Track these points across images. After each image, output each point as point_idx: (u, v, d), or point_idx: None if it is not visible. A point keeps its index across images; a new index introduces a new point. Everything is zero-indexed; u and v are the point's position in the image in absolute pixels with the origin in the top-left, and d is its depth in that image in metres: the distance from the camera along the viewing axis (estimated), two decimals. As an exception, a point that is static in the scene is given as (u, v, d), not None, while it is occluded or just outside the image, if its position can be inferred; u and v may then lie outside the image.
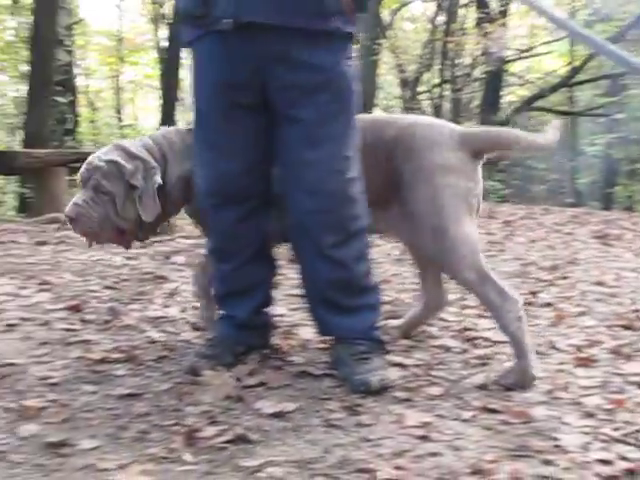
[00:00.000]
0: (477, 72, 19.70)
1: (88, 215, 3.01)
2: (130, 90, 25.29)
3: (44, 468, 2.22)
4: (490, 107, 19.13)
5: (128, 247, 3.33)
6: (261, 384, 2.89)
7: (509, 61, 20.72)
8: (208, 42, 2.98)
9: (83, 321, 3.71)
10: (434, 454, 2.35)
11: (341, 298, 3.03)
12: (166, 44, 16.68)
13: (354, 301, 3.04)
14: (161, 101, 15.55)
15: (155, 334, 3.53)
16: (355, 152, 3.03)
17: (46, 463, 2.25)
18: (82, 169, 3.10)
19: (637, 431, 2.58)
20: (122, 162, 3.03)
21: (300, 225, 3.05)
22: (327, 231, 2.98)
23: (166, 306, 3.87)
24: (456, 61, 18.65)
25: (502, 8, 18.13)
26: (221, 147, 3.00)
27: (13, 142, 16.89)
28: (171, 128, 3.42)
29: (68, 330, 3.56)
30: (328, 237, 2.97)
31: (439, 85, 18.09)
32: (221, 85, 2.97)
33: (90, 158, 3.11)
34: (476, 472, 2.23)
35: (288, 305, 4.03)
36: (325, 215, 2.97)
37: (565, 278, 5.25)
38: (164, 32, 18.81)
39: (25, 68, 14.13)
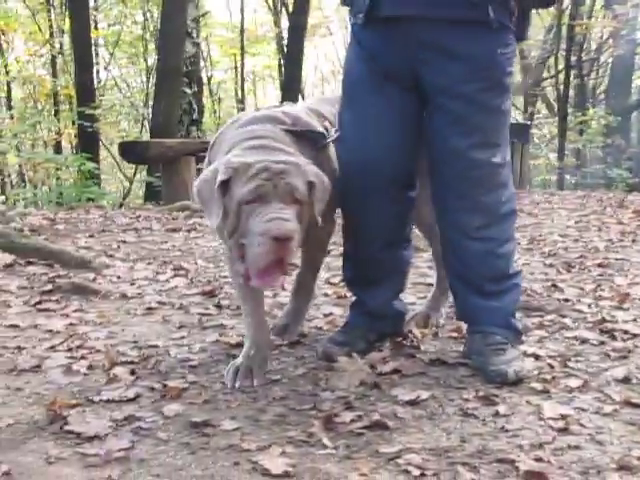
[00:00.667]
0: (605, 56, 19.29)
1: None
2: (251, 81, 25.46)
3: (189, 446, 2.26)
4: (618, 93, 18.71)
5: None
6: (395, 371, 2.88)
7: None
8: (358, 29, 3.04)
9: (217, 306, 3.77)
10: (576, 447, 2.30)
11: (484, 281, 3.01)
12: (286, 35, 16.80)
13: (497, 285, 3.02)
14: (281, 92, 15.63)
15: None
16: (505, 138, 3.03)
17: (191, 442, 2.29)
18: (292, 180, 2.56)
19: None
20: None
21: (446, 210, 3.06)
22: (473, 215, 2.97)
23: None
24: (583, 46, 18.25)
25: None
26: (369, 125, 2.95)
27: (136, 132, 17.24)
28: None
29: (204, 314, 3.62)
30: (475, 220, 2.97)
31: (564, 70, 17.70)
32: (374, 67, 2.97)
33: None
34: (623, 468, 2.17)
35: (417, 293, 4.02)
36: (471, 201, 2.96)
37: None
38: (285, 22, 18.86)
39: (152, 60, 14.42)
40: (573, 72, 18.25)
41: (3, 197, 16.52)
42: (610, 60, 19.48)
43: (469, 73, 2.87)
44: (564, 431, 2.42)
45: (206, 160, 2.97)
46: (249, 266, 2.52)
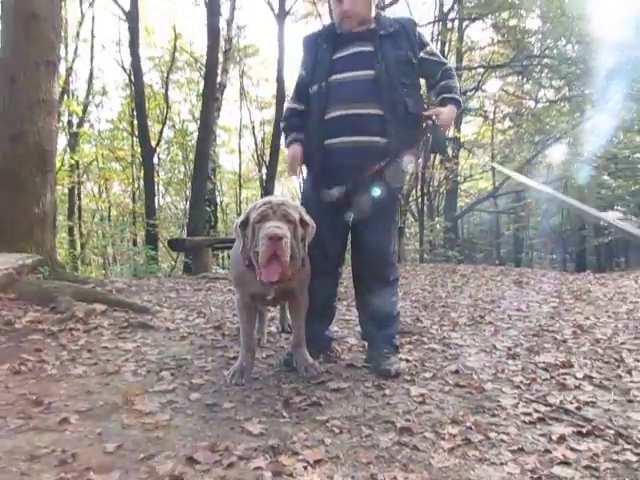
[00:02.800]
0: (442, 189, 19.76)
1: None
2: (245, 203, 25.64)
3: (204, 418, 2.22)
4: (450, 209, 19.17)
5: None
6: (326, 371, 2.85)
7: (459, 183, 20.85)
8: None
9: (222, 335, 3.71)
10: (428, 412, 2.32)
11: (381, 319, 2.98)
12: (264, 177, 16.98)
13: (387, 321, 2.99)
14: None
15: (265, 342, 3.50)
16: (395, 235, 3.03)
17: (205, 415, 2.26)
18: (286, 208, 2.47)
19: (544, 395, 2.54)
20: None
21: (362, 278, 3.03)
22: (378, 281, 2.95)
23: (269, 326, 3.81)
24: (430, 183, 18.70)
25: (454, 153, 18.24)
26: (320, 231, 2.72)
27: (178, 233, 17.27)
28: None
29: (214, 340, 3.56)
30: (377, 284, 2.94)
31: (421, 196, 18.10)
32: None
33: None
34: (454, 421, 2.22)
35: (339, 325, 3.99)
36: (377, 273, 2.95)
37: (499, 307, 5.16)
38: (264, 170, 19.06)
39: (189, 192, 14.56)
40: (425, 197, 18.67)
41: (103, 271, 16.42)
42: (444, 191, 19.98)
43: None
44: (422, 403, 2.45)
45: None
46: (259, 265, 2.40)
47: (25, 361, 2.90)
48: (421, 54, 2.91)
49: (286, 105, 3.21)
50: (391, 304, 3.00)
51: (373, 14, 2.95)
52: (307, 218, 2.56)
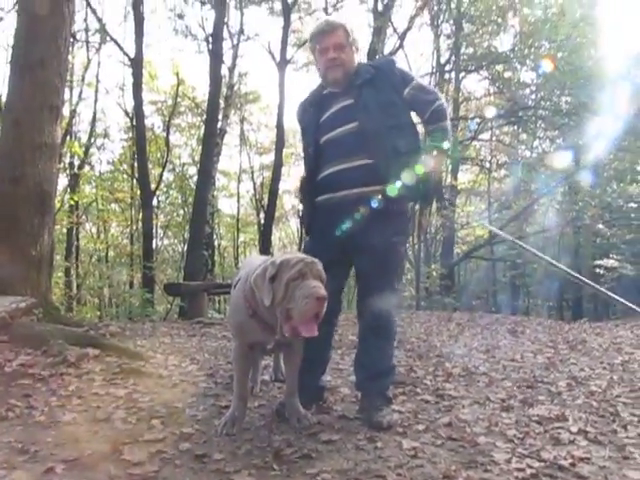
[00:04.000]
0: (439, 236, 19.85)
1: None
2: (242, 247, 25.66)
3: (193, 469, 2.19)
4: (447, 255, 19.22)
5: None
6: (318, 423, 2.80)
7: (456, 230, 20.97)
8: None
9: (215, 382, 3.66)
10: (420, 466, 2.28)
11: (374, 371, 2.95)
12: (262, 221, 17.07)
13: (381, 374, 2.96)
14: (260, 254, 15.93)
15: (259, 391, 3.46)
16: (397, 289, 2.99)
17: (195, 467, 2.22)
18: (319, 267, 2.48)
19: (538, 450, 2.50)
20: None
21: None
22: (373, 332, 2.93)
23: (263, 374, 3.76)
24: (427, 230, 18.77)
25: (450, 201, 18.42)
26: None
27: (178, 277, 17.22)
28: None
29: (207, 388, 3.52)
30: (374, 335, 2.93)
31: (417, 243, 18.14)
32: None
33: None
34: (445, 477, 2.17)
35: (332, 374, 3.95)
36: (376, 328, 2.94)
37: (494, 357, 5.13)
38: (262, 215, 19.17)
39: (187, 235, 14.63)
40: (422, 244, 18.73)
41: (99, 312, 16.34)
42: (441, 238, 20.06)
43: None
44: (414, 457, 2.40)
45: (238, 276, 2.83)
46: (298, 322, 2.37)
47: (13, 407, 2.86)
48: (407, 91, 2.89)
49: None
50: (387, 357, 2.98)
51: (355, 63, 2.99)
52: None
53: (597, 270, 20.11)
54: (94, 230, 22.54)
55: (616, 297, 3.85)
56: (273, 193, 14.41)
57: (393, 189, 2.76)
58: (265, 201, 16.81)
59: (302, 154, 3.22)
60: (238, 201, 23.73)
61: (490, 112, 17.71)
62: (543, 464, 2.34)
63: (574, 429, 2.83)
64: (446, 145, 2.91)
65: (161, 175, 17.75)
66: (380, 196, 2.79)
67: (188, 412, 2.95)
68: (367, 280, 2.87)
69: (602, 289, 3.81)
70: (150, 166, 16.52)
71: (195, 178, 15.12)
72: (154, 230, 17.45)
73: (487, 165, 21.72)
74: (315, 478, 2.13)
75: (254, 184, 23.04)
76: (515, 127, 19.57)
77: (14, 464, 2.16)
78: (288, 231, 28.98)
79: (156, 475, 2.11)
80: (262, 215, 18.14)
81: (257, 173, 23.46)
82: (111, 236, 21.71)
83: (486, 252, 22.88)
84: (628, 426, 2.91)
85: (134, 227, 19.29)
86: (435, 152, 2.88)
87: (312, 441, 2.54)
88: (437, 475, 2.19)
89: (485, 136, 20.66)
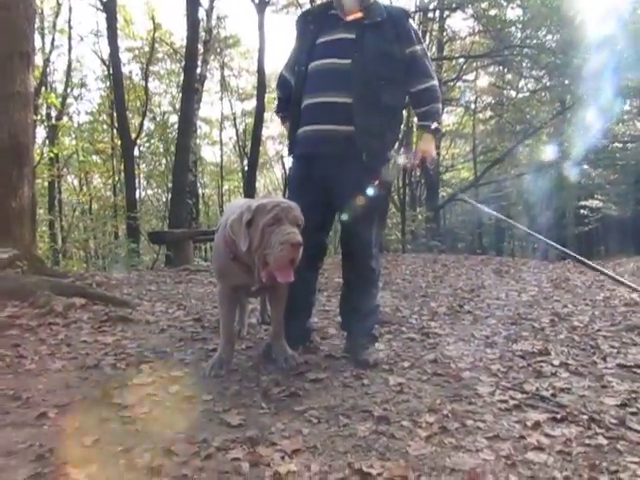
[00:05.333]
0: (423, 180, 19.84)
1: None
2: (227, 195, 25.51)
3: (184, 410, 2.23)
4: (432, 199, 19.27)
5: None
6: (305, 362, 2.85)
7: (441, 173, 20.97)
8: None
9: (202, 327, 3.70)
10: (406, 401, 2.35)
11: (359, 311, 2.98)
12: (246, 169, 16.91)
13: (365, 313, 2.99)
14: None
15: (245, 334, 3.49)
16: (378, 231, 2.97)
17: (184, 407, 2.26)
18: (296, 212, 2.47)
19: (521, 383, 2.58)
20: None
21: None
22: (356, 272, 2.96)
23: (249, 317, 3.80)
24: (412, 173, 18.74)
25: (436, 143, 18.32)
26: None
27: (163, 226, 17.15)
28: None
29: (194, 332, 3.55)
30: (356, 276, 2.96)
31: (402, 187, 18.11)
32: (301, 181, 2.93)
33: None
34: (431, 410, 2.24)
35: (319, 316, 4.00)
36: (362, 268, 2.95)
37: (478, 296, 5.22)
38: (245, 162, 18.99)
39: (170, 184, 14.51)
40: (407, 188, 18.72)
41: (85, 265, 16.32)
42: (426, 181, 20.03)
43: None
44: (400, 392, 2.47)
45: (221, 220, 2.80)
46: (273, 268, 2.38)
47: (3, 356, 2.88)
48: (410, 49, 2.84)
49: (281, 71, 3.17)
50: (371, 296, 3.00)
51: None
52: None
53: (581, 211, 20.31)
54: (76, 183, 22.29)
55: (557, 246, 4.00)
56: (256, 139, 14.21)
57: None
58: (248, 148, 16.61)
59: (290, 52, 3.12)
60: (221, 149, 23.52)
61: (475, 51, 17.44)
62: (525, 395, 2.41)
63: (556, 362, 2.91)
64: (438, 125, 2.92)
65: (141, 124, 17.41)
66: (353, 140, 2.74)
67: (176, 356, 2.99)
68: (350, 223, 2.86)
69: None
70: (130, 115, 16.25)
71: (176, 126, 14.84)
72: (137, 180, 17.25)
73: (472, 107, 21.52)
74: (303, 415, 2.18)
75: (237, 131, 22.74)
76: (500, 67, 19.30)
77: (7, 409, 2.19)
78: (272, 177, 28.81)
79: (147, 416, 2.14)
80: (245, 162, 17.96)
81: (239, 119, 23.11)
82: (93, 188, 21.46)
83: (471, 194, 22.96)
84: (607, 357, 3.00)
85: (116, 178, 19.06)
86: (429, 134, 2.90)
87: (299, 380, 2.59)
88: (423, 409, 2.25)
89: (470, 77, 20.38)
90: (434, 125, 2.89)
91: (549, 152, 18.04)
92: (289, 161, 3.14)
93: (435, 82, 2.92)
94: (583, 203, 20.13)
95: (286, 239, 2.33)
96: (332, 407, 2.26)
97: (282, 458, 1.80)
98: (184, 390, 2.44)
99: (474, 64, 18.97)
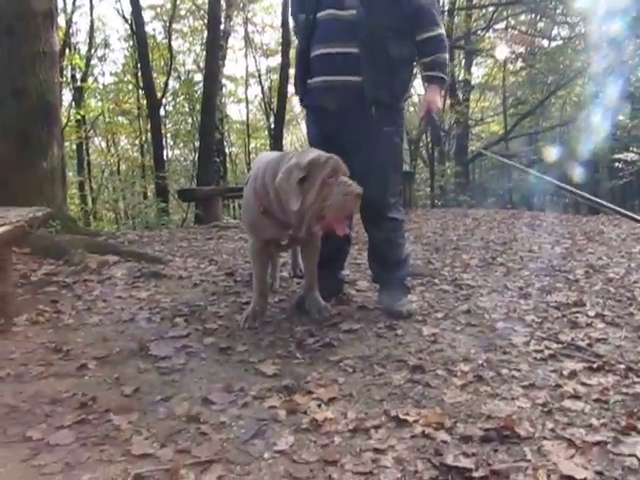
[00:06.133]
0: (452, 133, 19.48)
1: None
2: (253, 152, 25.45)
3: (219, 361, 2.27)
4: (460, 153, 18.94)
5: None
6: (338, 314, 2.87)
7: (470, 126, 20.55)
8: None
9: (235, 281, 3.73)
10: (440, 350, 2.37)
11: (388, 262, 2.98)
12: (272, 126, 16.79)
13: (395, 264, 2.98)
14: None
15: (278, 287, 3.51)
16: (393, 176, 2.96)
17: (220, 358, 2.30)
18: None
19: (556, 333, 2.56)
20: None
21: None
22: (374, 221, 2.95)
23: (281, 271, 3.82)
24: (441, 128, 18.43)
25: (465, 96, 17.96)
26: None
27: (191, 184, 17.24)
28: None
29: (227, 286, 3.58)
30: (375, 224, 2.96)
31: (431, 141, 17.84)
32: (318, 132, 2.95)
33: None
34: (465, 359, 2.25)
35: (351, 268, 4.00)
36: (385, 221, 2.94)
37: (511, 249, 5.18)
38: (272, 119, 18.81)
39: (197, 143, 14.52)
40: (435, 141, 18.43)
41: (116, 226, 16.55)
42: (455, 135, 19.70)
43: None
44: (434, 342, 2.49)
45: (249, 174, 2.80)
46: (333, 220, 2.39)
47: (42, 312, 2.95)
48: (419, 2, 2.76)
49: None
50: (398, 247, 2.99)
51: None
52: None
53: (616, 164, 19.77)
54: (103, 144, 22.37)
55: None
56: (282, 96, 14.06)
57: None
58: (274, 105, 16.46)
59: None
60: (247, 106, 23.21)
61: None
62: (561, 345, 2.41)
63: (591, 313, 2.89)
64: (444, 78, 2.85)
65: (166, 83, 17.30)
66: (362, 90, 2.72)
67: (210, 309, 3.03)
68: (364, 174, 2.81)
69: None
70: (154, 75, 16.12)
71: (201, 85, 14.74)
72: (164, 140, 17.25)
73: (502, 57, 20.87)
74: (338, 364, 2.20)
75: (262, 88, 22.43)
76: (533, 15, 18.61)
77: (50, 361, 2.26)
78: (299, 134, 28.54)
79: (183, 367, 2.19)
80: (272, 119, 17.81)
81: (264, 76, 22.79)
82: (121, 149, 21.58)
83: (501, 149, 22.52)
84: (645, 308, 2.95)
85: (143, 138, 19.09)
86: (434, 85, 2.84)
87: (333, 331, 2.62)
88: (457, 358, 2.26)
89: (500, 26, 19.71)
90: (440, 75, 2.83)
91: (583, 103, 17.51)
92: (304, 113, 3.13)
93: (442, 31, 2.85)
94: (617, 156, 19.55)
95: (350, 190, 2.34)
96: (366, 357, 2.29)
97: (319, 406, 1.83)
98: (219, 342, 2.48)
99: (505, 12, 18.33)
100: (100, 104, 19.59)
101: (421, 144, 18.45)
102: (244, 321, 2.70)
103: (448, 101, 17.06)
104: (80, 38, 19.90)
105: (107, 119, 20.05)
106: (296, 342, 2.46)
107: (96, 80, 20.17)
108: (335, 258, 3.13)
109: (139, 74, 16.38)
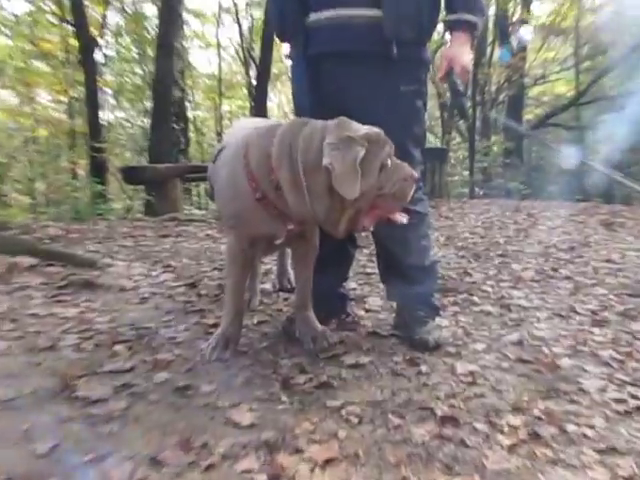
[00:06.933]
0: (502, 96, 19.51)
1: None
2: (227, 118, 25.37)
3: (174, 406, 2.26)
4: (513, 124, 18.98)
5: None
6: (340, 342, 2.88)
7: (527, 87, 20.59)
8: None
9: (198, 295, 3.74)
10: (481, 395, 2.37)
11: (407, 271, 2.98)
12: (254, 82, 16.76)
13: (417, 274, 2.99)
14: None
15: (257, 305, 3.51)
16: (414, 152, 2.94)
17: (176, 402, 2.29)
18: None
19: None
20: None
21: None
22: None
23: (263, 282, 3.82)
24: (485, 88, 18.44)
25: (521, 44, 17.98)
26: None
27: (140, 161, 17.18)
28: None
29: (187, 302, 3.59)
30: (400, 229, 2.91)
31: (472, 107, 17.89)
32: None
33: None
34: (516, 409, 2.25)
35: (358, 281, 4.01)
36: None
37: (581, 257, 5.20)
38: (253, 72, 18.82)
39: (149, 104, 14.47)
40: (478, 108, 18.44)
41: (33, 215, 16.49)
42: (505, 99, 19.73)
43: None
44: (471, 384, 2.48)
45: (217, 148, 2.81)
46: (391, 208, 2.43)
47: None
48: None
49: None
50: (420, 250, 3.00)
51: None
52: None
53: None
54: (14, 100, 22.09)
55: None
56: (267, 40, 14.00)
57: None
58: (257, 53, 16.45)
59: None
60: (219, 54, 23.19)
61: None
62: (651, 393, 2.41)
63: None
64: (475, 22, 2.80)
65: (104, 16, 17.30)
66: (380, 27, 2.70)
67: (164, 333, 3.04)
68: None
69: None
70: (87, 3, 15.98)
71: (155, 22, 14.73)
72: (102, 98, 17.22)
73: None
74: (339, 412, 2.20)
75: (240, 28, 22.40)
76: None
77: None
78: (289, 94, 28.59)
79: (124, 414, 2.18)
80: (253, 73, 17.82)
81: (243, 13, 22.76)
82: (40, 107, 21.35)
83: (570, 117, 22.53)
84: None
85: (72, 93, 19.01)
86: (460, 33, 2.81)
87: (333, 365, 2.63)
88: (504, 407, 2.26)
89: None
90: (467, 18, 2.79)
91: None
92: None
93: None
94: None
95: (410, 173, 2.38)
96: (378, 402, 2.29)
97: (311, 470, 1.82)
98: (176, 379, 2.48)
99: None
100: (10, 42, 19.35)
101: (456, 111, 18.46)
102: (211, 350, 2.70)
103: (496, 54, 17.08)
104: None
105: (19, 63, 19.74)
106: (282, 380, 2.46)
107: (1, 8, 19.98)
108: (337, 264, 3.15)
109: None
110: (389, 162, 2.37)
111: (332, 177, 2.26)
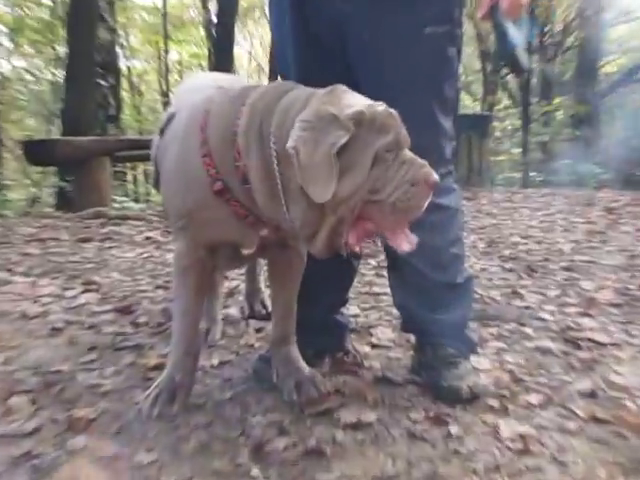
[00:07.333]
0: (570, 40, 19.58)
1: None
2: (176, 71, 25.41)
3: (101, 482, 2.25)
4: (586, 80, 19.00)
5: None
6: (336, 391, 2.88)
7: (607, 26, 20.65)
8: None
9: (134, 324, 3.74)
10: (536, 469, 2.34)
11: (430, 291, 2.97)
12: (215, 19, 16.78)
13: (444, 294, 2.98)
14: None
15: (218, 337, 3.52)
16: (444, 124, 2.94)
17: (100, 477, 2.26)
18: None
19: None
20: None
21: None
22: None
23: (226, 306, 3.83)
24: (545, 28, 18.47)
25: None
26: None
27: (50, 132, 17.17)
28: None
29: (118, 334, 3.59)
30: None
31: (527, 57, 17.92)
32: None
33: None
34: None
35: (361, 304, 4.01)
36: None
37: (679, 272, 5.18)
38: (213, 6, 18.87)
39: (63, 49, 14.41)
40: (535, 58, 18.48)
41: None
42: (576, 44, 19.77)
43: None
44: (523, 452, 2.45)
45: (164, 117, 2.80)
46: (390, 224, 2.31)
47: None
48: None
49: None
50: (450, 260, 3.00)
51: None
52: None
53: None
54: None
55: None
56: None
57: None
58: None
59: None
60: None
61: None
62: None
63: None
64: None
65: None
66: None
67: (83, 380, 3.03)
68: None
69: None
70: None
71: None
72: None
73: None
74: (331, 493, 2.20)
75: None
76: None
77: None
78: (265, 39, 28.61)
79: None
80: (214, 7, 17.86)
81: None
82: None
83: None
84: None
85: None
86: None
87: (325, 425, 2.62)
88: (571, 487, 2.25)
89: None
90: None
91: None
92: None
93: None
94: None
95: (423, 175, 2.27)
96: (388, 477, 2.27)
97: None
98: (100, 446, 2.46)
99: None
100: None
101: (503, 63, 18.55)
102: (151, 404, 2.70)
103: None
104: None
105: None
106: (252, 446, 2.45)
107: None
108: (333, 280, 3.16)
109: None
110: (389, 156, 2.27)
111: (296, 168, 2.21)
